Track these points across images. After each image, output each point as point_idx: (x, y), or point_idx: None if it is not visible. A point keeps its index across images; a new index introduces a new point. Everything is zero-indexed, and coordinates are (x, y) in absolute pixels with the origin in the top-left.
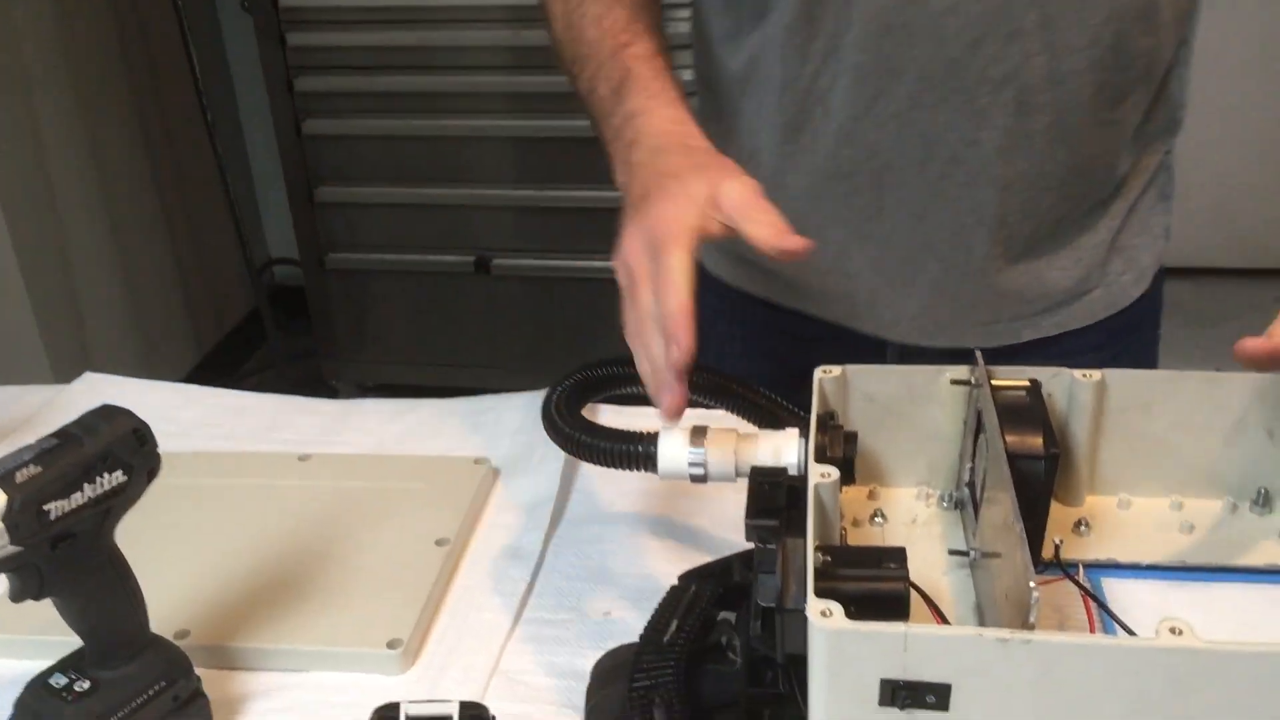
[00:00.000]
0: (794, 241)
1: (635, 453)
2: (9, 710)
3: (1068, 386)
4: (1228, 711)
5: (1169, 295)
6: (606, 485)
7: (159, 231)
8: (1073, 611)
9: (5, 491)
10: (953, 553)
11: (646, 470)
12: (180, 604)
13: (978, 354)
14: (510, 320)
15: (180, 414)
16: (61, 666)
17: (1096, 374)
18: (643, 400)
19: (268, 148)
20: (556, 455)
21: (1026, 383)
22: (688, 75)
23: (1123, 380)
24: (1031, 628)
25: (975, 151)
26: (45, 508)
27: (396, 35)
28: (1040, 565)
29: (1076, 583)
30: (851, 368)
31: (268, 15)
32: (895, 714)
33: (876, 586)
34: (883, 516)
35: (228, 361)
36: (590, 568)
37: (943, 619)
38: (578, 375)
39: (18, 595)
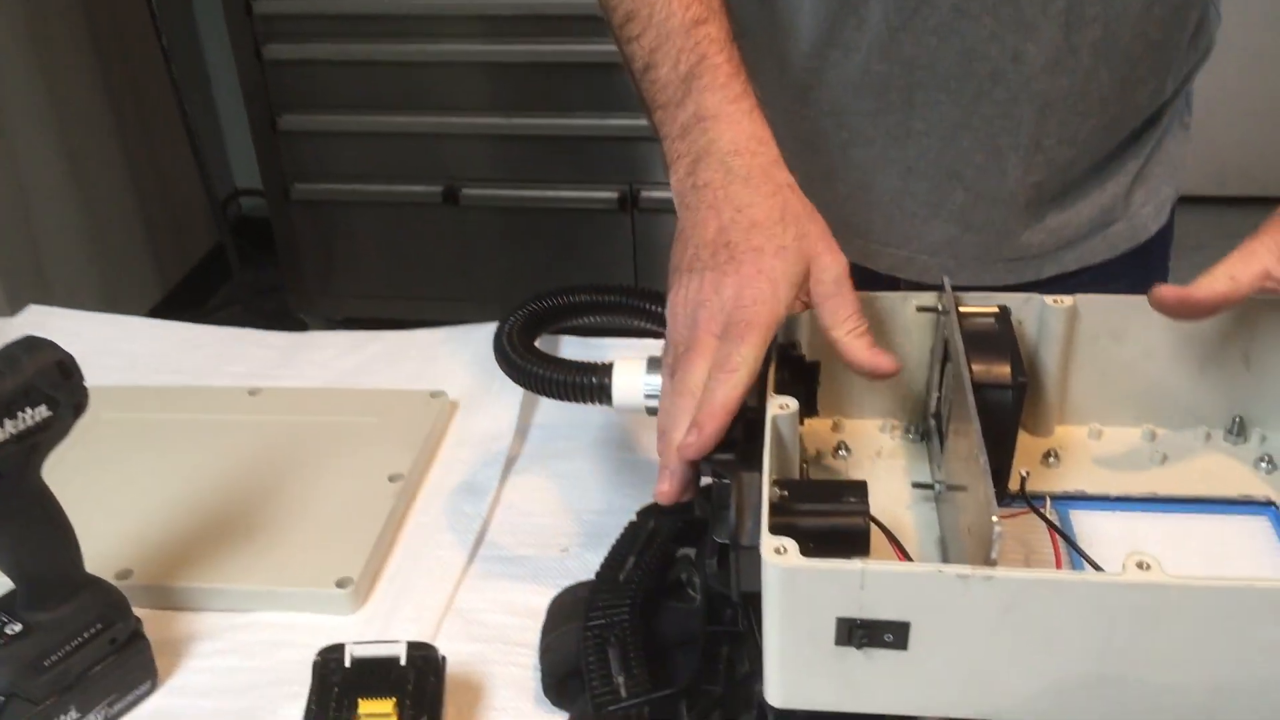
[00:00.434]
0: (887, 363)
1: (589, 384)
2: None
3: (1038, 313)
4: (1196, 647)
5: None
6: (567, 418)
7: (118, 162)
8: (1039, 545)
9: None
10: (917, 485)
11: (601, 403)
12: (123, 543)
13: (945, 280)
14: (482, 252)
15: (128, 347)
16: None
17: (1068, 300)
18: (607, 330)
19: (229, 74)
20: (516, 388)
21: (995, 309)
22: None
23: (1095, 306)
24: (993, 564)
25: (1018, 67)
26: None
27: None
28: (1007, 498)
29: (1042, 516)
30: None
31: None
32: (852, 653)
33: (835, 521)
34: (847, 449)
35: (193, 296)
36: (548, 503)
37: (905, 554)
38: (532, 305)
39: None
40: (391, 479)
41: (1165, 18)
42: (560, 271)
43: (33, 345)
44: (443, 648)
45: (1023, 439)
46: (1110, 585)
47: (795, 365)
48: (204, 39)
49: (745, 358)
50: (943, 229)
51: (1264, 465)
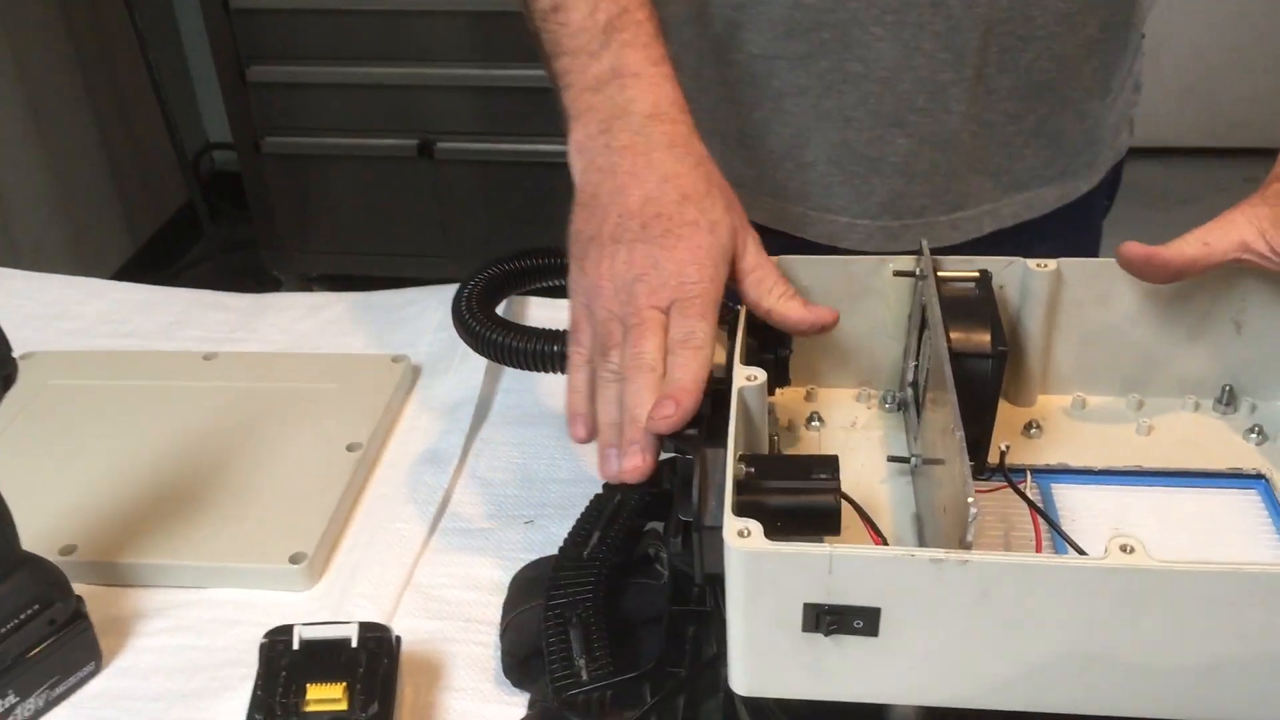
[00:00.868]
0: (826, 313)
1: (549, 353)
2: None
3: (1020, 277)
4: (1181, 632)
5: (1136, 175)
6: (533, 384)
7: (84, 117)
8: (1019, 521)
9: None
10: (892, 459)
11: (561, 372)
12: (67, 517)
13: (923, 243)
14: (458, 206)
15: (81, 309)
16: None
17: (1052, 264)
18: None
19: (198, 23)
20: None
21: (976, 274)
22: None
23: (1080, 270)
24: (969, 547)
25: None
26: None
27: None
28: (986, 472)
29: (1022, 495)
30: (786, 258)
31: None
32: (820, 640)
33: (805, 499)
34: (820, 420)
35: (165, 253)
36: (513, 473)
37: (878, 533)
38: (493, 269)
39: None
40: (350, 448)
41: None
42: (539, 227)
43: None
44: (400, 625)
45: (1004, 409)
46: (1092, 570)
47: (766, 332)
48: None
49: (707, 335)
50: (885, 185)
51: (1254, 436)
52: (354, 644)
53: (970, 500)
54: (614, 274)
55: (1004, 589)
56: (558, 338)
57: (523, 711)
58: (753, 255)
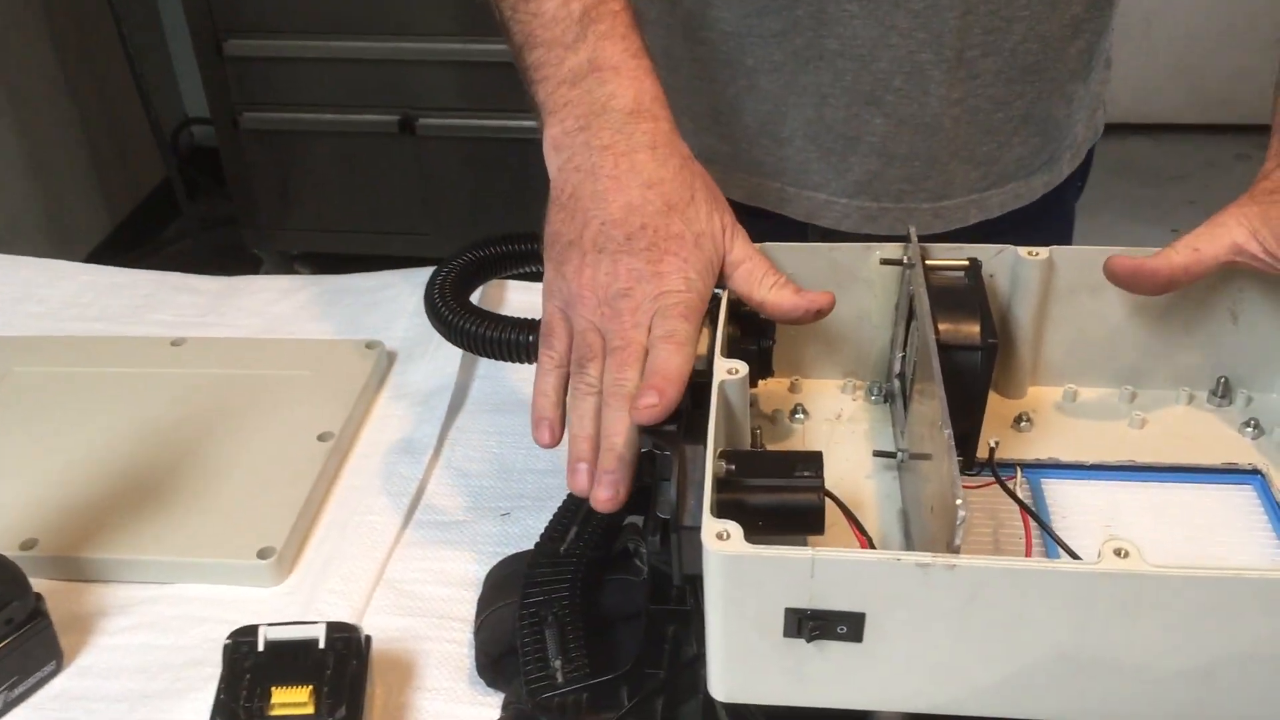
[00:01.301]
0: (822, 298)
1: (524, 343)
2: None
3: (1011, 266)
4: (1176, 639)
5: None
6: (511, 372)
7: (60, 91)
8: (1008, 519)
9: None
10: (878, 454)
11: (534, 363)
12: (28, 510)
13: (911, 230)
14: (441, 183)
15: (46, 292)
16: None
17: (1044, 252)
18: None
19: None
20: None
21: (965, 262)
22: None
23: (1072, 258)
24: (957, 551)
25: None
26: None
27: None
28: (975, 467)
29: (1011, 494)
30: (770, 246)
31: None
32: (802, 646)
33: (787, 498)
34: (804, 412)
35: (144, 230)
36: (490, 463)
37: (862, 532)
38: (468, 254)
39: None
40: (321, 438)
41: None
42: (524, 205)
43: None
44: (372, 622)
45: (993, 401)
46: (1085, 575)
47: (749, 322)
48: None
49: (690, 334)
50: (861, 164)
51: (1250, 430)
52: (321, 645)
53: (959, 503)
54: (596, 285)
55: (993, 594)
56: (532, 327)
57: (497, 713)
58: (740, 249)
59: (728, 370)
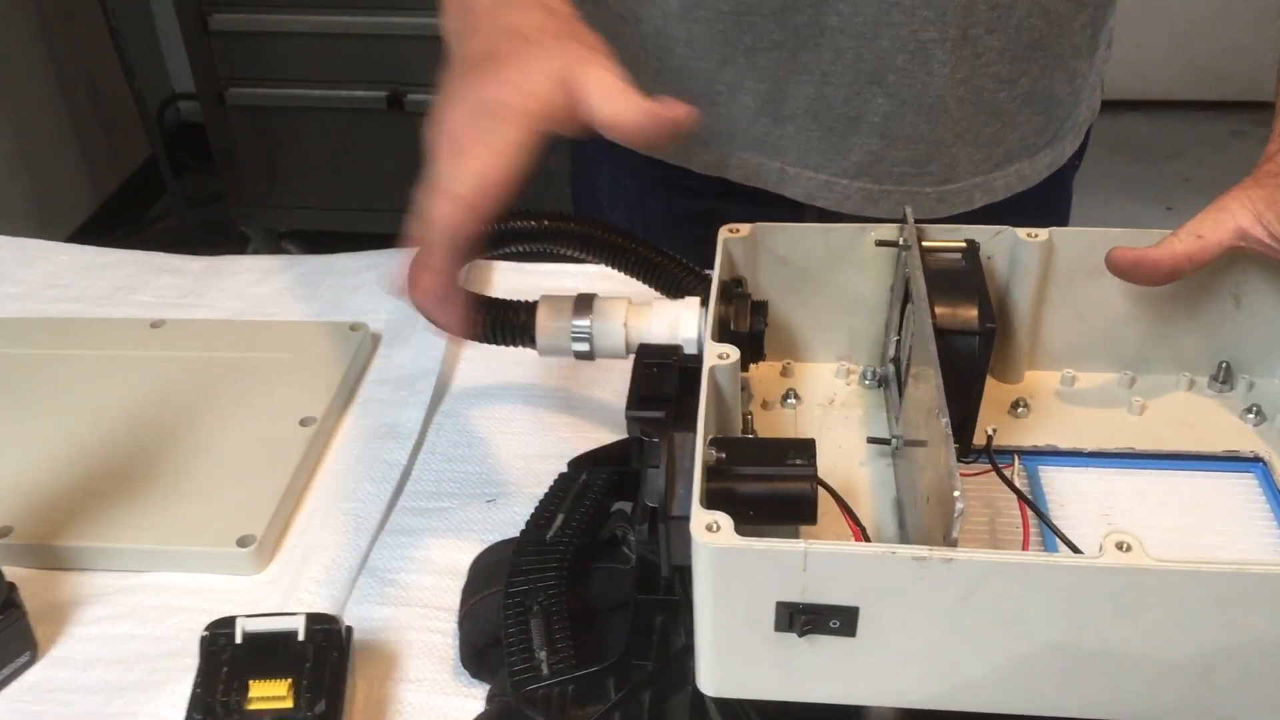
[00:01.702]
0: (676, 109)
1: (511, 325)
2: None
3: (1009, 248)
4: (1177, 634)
5: (1121, 129)
6: (499, 354)
7: (43, 66)
8: (1005, 507)
9: None
10: (872, 440)
11: (524, 345)
12: (1, 496)
13: (907, 210)
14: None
15: (23, 272)
16: None
17: (1043, 233)
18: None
19: None
20: None
21: (962, 244)
22: None
23: (1072, 240)
24: (954, 543)
25: None
26: None
27: None
28: (971, 454)
29: (1009, 484)
30: (762, 226)
31: None
32: (794, 640)
33: (779, 487)
34: (796, 397)
35: (130, 208)
36: (476, 448)
37: (856, 523)
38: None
39: None
40: (303, 423)
41: None
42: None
43: None
44: (354, 612)
45: (990, 386)
46: (1086, 569)
47: (740, 304)
48: None
49: (509, 139)
50: (863, 144)
51: (1251, 416)
52: (301, 637)
53: (956, 494)
54: (440, 119)
55: (991, 588)
56: (518, 309)
57: (481, 704)
58: (595, 71)
59: (718, 355)
